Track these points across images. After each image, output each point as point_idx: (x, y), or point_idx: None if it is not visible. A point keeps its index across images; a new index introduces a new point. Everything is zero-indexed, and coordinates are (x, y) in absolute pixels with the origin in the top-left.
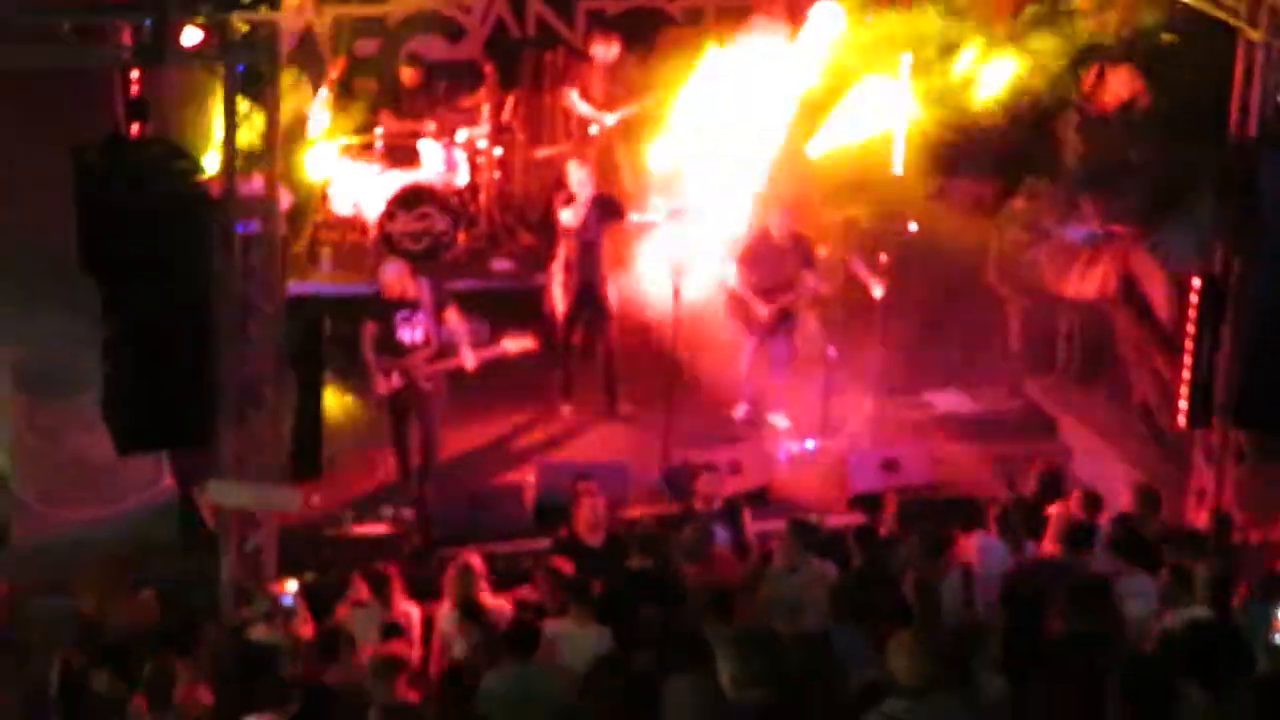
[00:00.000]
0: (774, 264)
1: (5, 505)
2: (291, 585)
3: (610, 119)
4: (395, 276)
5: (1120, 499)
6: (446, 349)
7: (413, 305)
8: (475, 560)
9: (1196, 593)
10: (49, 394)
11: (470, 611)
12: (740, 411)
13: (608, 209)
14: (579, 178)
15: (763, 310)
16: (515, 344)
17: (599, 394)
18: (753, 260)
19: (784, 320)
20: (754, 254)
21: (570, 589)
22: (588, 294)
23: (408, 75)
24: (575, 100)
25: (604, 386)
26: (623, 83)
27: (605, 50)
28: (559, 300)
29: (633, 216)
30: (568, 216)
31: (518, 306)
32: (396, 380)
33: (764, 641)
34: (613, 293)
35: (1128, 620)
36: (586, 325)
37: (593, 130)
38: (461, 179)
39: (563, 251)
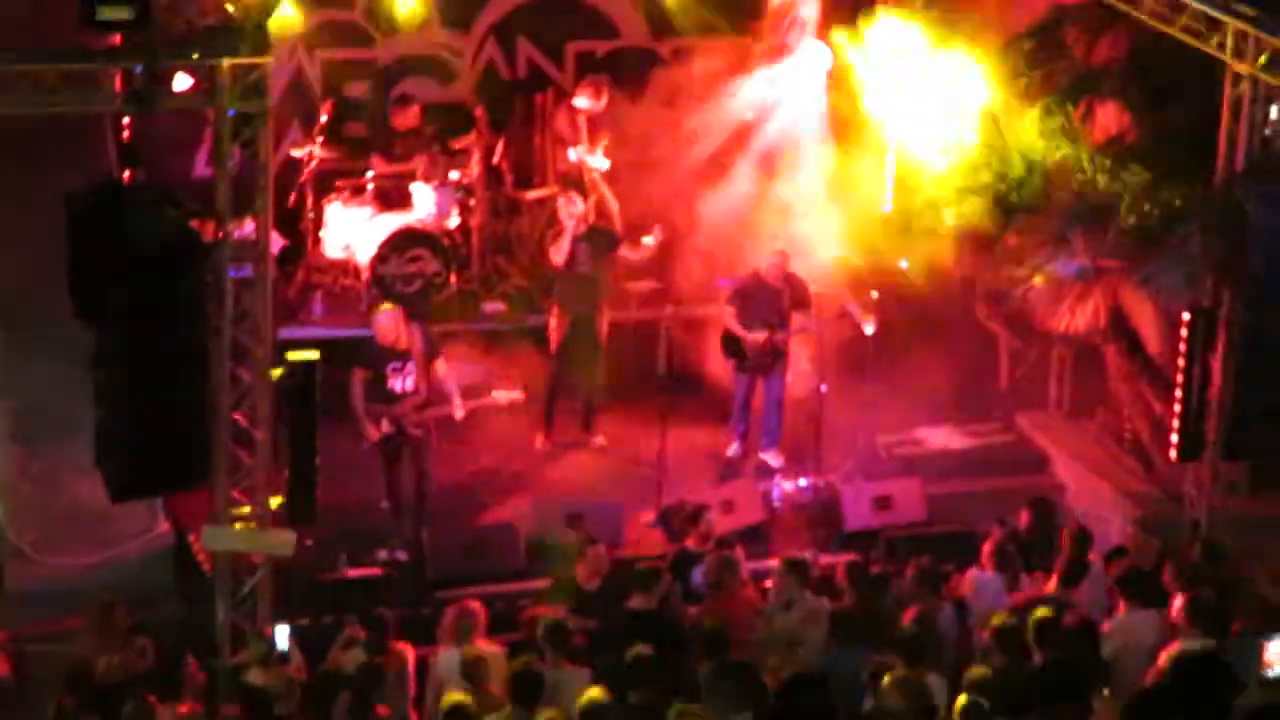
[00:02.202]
0: (766, 302)
1: (0, 552)
2: (285, 629)
3: (600, 161)
4: (389, 324)
5: (1114, 533)
6: (436, 397)
7: (404, 355)
8: (476, 606)
9: (1192, 625)
10: (43, 440)
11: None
12: (733, 450)
13: (599, 243)
14: (566, 215)
15: (754, 340)
16: (505, 395)
17: (577, 426)
18: (744, 298)
19: (775, 359)
20: (746, 292)
21: (549, 638)
22: (581, 328)
23: (398, 117)
24: (571, 150)
25: (582, 418)
26: (613, 125)
27: (593, 101)
28: (551, 334)
29: (625, 253)
30: (555, 254)
31: (509, 348)
32: (386, 427)
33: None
34: (603, 327)
35: (1123, 654)
36: (577, 361)
37: (585, 166)
38: (453, 221)
39: (556, 289)
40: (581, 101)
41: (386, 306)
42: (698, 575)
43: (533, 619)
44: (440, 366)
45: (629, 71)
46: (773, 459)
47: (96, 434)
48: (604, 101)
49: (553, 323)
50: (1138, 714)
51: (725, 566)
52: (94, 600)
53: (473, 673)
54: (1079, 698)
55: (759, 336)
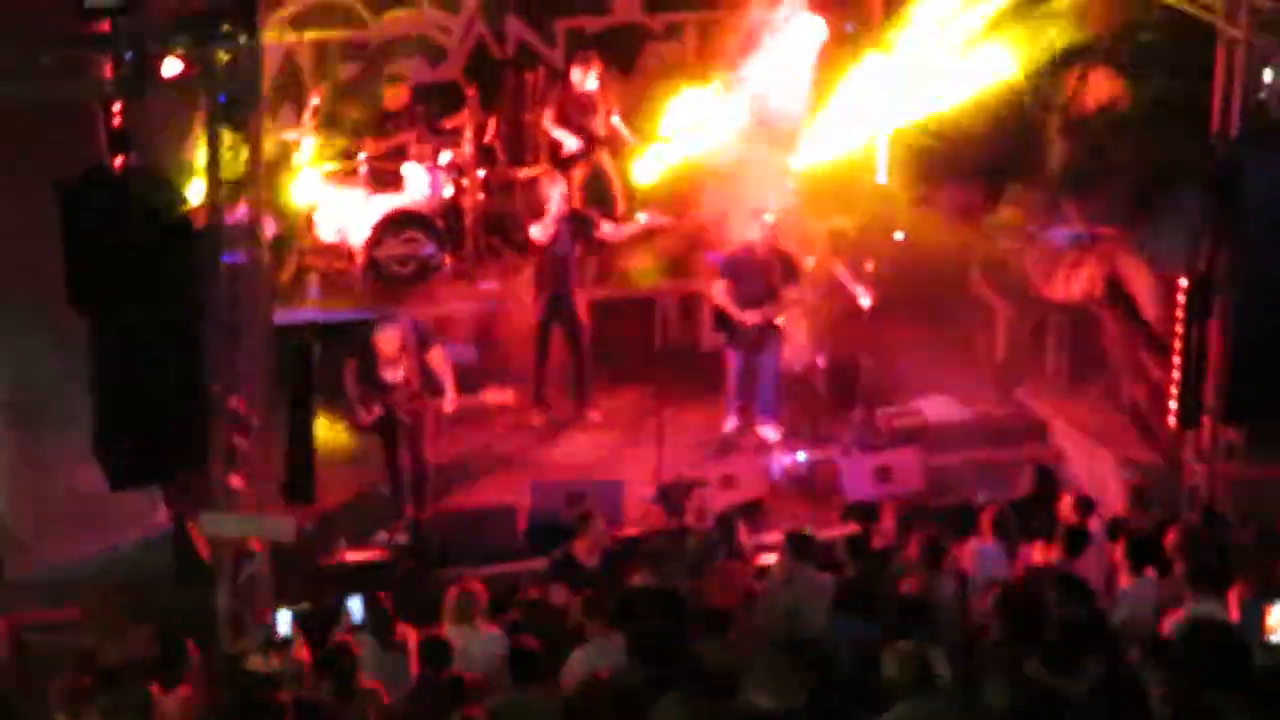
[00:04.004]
0: (757, 277)
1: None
2: (287, 614)
3: (593, 142)
4: (389, 340)
5: (1114, 501)
6: (429, 386)
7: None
8: (477, 586)
9: (1196, 591)
10: (40, 429)
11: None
12: (729, 426)
13: (580, 226)
14: (552, 195)
15: (746, 321)
16: (495, 397)
17: (570, 402)
18: (736, 273)
19: (768, 333)
20: (737, 267)
21: (587, 606)
22: (559, 306)
23: (390, 97)
24: (551, 124)
25: (575, 394)
26: (604, 103)
27: (584, 77)
28: (530, 311)
29: (614, 229)
30: (537, 232)
31: (504, 325)
32: (378, 411)
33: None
34: (582, 304)
35: (1130, 623)
36: (560, 336)
37: (574, 148)
38: (445, 200)
39: (534, 265)
40: (575, 77)
41: (392, 323)
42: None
43: (531, 599)
44: (435, 355)
45: (621, 48)
46: (771, 433)
47: (94, 422)
48: (594, 76)
49: (529, 301)
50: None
51: (707, 548)
52: (93, 589)
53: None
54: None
55: (751, 314)
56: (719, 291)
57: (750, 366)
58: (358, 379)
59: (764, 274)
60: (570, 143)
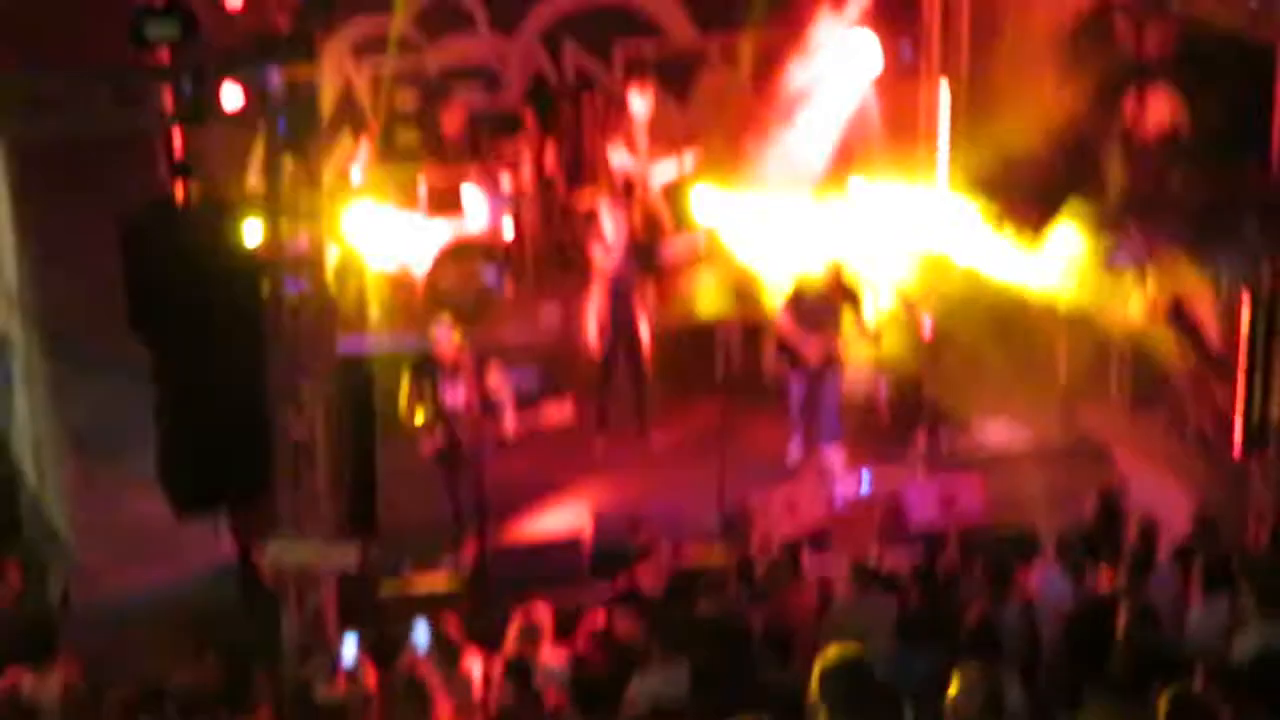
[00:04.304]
0: (820, 306)
1: (65, 569)
2: (353, 640)
3: (652, 169)
4: (445, 337)
5: (1180, 526)
6: (489, 408)
7: (455, 369)
8: (542, 614)
9: (1264, 614)
10: (106, 457)
11: (517, 672)
12: (794, 453)
13: (641, 253)
14: (613, 223)
15: (809, 349)
16: (555, 414)
17: (633, 429)
18: (799, 304)
19: (830, 361)
20: (800, 298)
21: (650, 634)
22: (622, 333)
23: (449, 124)
24: (617, 154)
25: (638, 421)
26: (664, 130)
27: (642, 101)
28: (593, 339)
29: (676, 250)
30: (599, 260)
31: (566, 352)
32: (440, 439)
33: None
34: (645, 331)
35: (1204, 646)
36: (623, 363)
37: (633, 175)
38: (506, 228)
39: (596, 292)
40: (634, 102)
41: (444, 318)
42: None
43: (595, 627)
44: (494, 377)
45: (676, 74)
46: (834, 459)
47: (158, 450)
48: (650, 100)
49: (593, 329)
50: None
51: (777, 571)
52: (159, 618)
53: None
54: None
55: (814, 342)
56: (782, 320)
57: (813, 393)
58: (420, 404)
59: (828, 304)
60: (631, 169)
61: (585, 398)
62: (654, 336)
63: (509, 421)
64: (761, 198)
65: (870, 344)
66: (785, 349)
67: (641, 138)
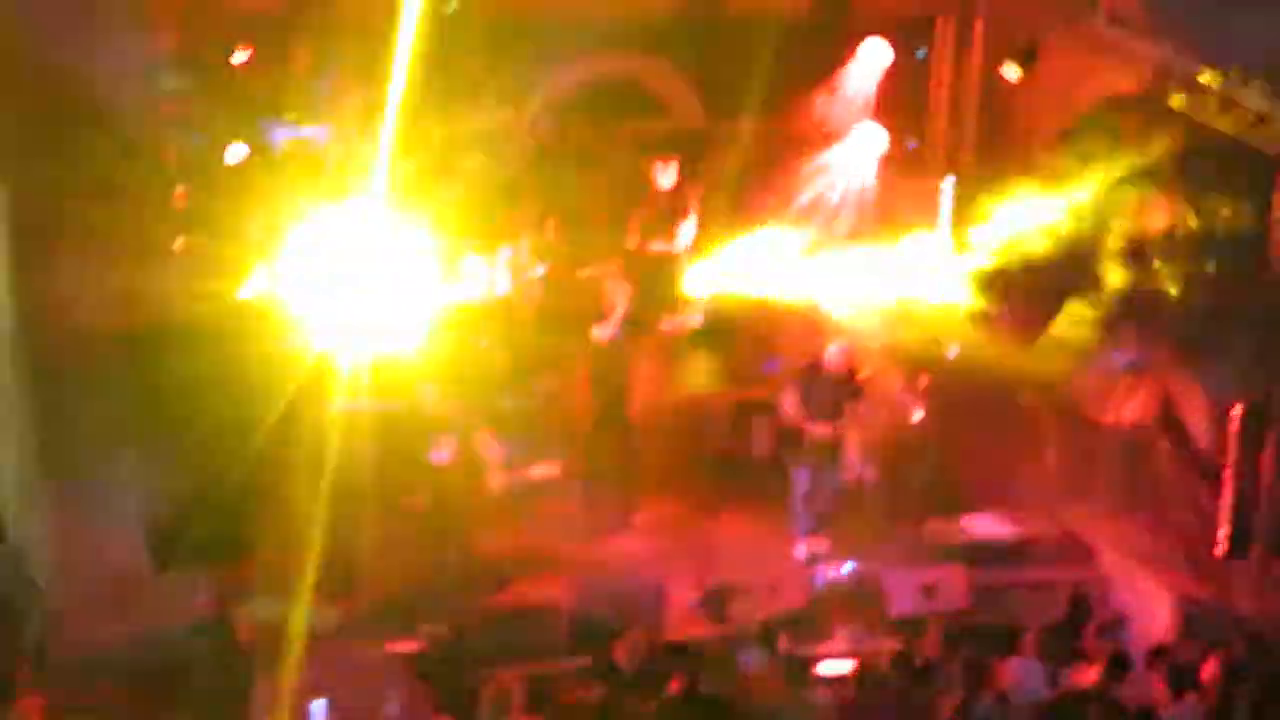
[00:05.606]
0: (827, 392)
1: (41, 619)
2: (323, 703)
3: (662, 242)
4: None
5: (1161, 627)
6: (472, 468)
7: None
8: (513, 683)
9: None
10: (88, 509)
11: None
12: (801, 552)
13: (639, 328)
14: (615, 295)
15: (816, 433)
16: (541, 471)
17: (618, 501)
18: (805, 387)
19: (835, 447)
20: (806, 381)
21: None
22: (612, 408)
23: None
24: (631, 226)
25: (623, 494)
26: (679, 204)
27: (665, 176)
28: (585, 408)
29: (669, 328)
30: (599, 332)
31: (556, 423)
32: (425, 498)
33: None
34: (636, 405)
35: None
36: (613, 435)
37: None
38: (504, 297)
39: (591, 365)
40: (658, 178)
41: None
42: (746, 658)
43: (568, 700)
44: (481, 440)
45: (683, 152)
46: (817, 545)
47: (142, 505)
48: (672, 175)
49: (582, 399)
50: None
51: (748, 656)
52: (133, 671)
53: None
54: None
55: (821, 426)
56: (789, 403)
57: (815, 481)
58: (408, 464)
59: (835, 389)
60: (643, 241)
61: (572, 466)
62: (646, 409)
63: (494, 479)
64: (762, 276)
65: (859, 429)
66: (788, 434)
67: (661, 212)
